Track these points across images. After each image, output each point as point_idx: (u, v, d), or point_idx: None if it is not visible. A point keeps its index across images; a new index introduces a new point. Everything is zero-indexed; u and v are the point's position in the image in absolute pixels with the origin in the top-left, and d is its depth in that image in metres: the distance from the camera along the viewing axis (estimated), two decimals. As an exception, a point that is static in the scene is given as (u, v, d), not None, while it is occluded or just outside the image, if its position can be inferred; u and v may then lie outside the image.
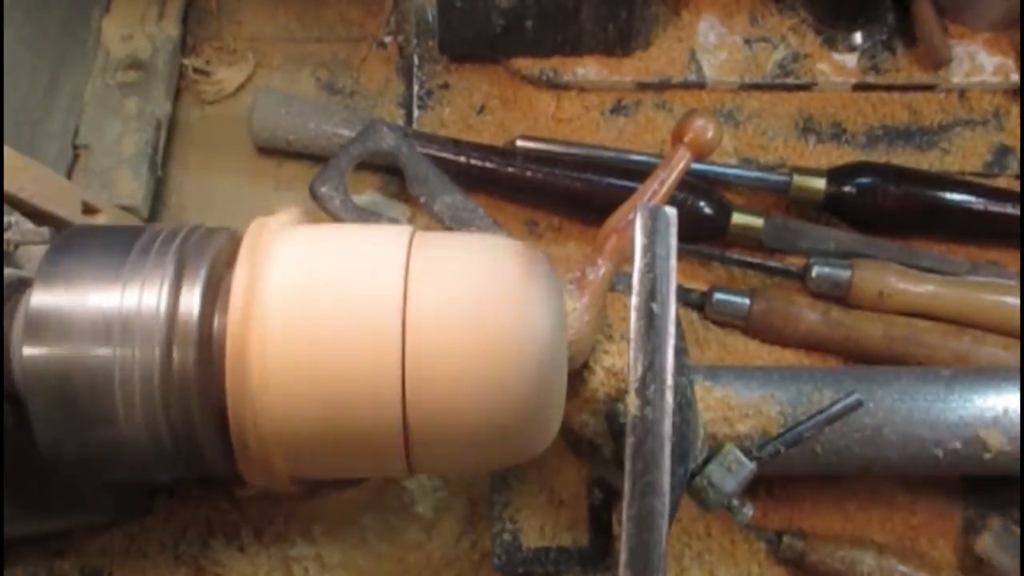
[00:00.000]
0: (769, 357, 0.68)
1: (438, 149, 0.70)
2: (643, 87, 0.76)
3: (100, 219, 0.62)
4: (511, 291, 0.43)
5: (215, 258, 0.44)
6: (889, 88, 0.76)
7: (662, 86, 0.76)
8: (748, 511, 0.48)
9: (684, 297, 0.69)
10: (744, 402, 0.54)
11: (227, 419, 0.42)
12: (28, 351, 0.42)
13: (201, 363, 0.42)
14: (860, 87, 0.76)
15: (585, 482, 0.56)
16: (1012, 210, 0.69)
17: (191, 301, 0.43)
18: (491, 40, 0.74)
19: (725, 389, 0.55)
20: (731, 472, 0.48)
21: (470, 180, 0.69)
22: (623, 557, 0.39)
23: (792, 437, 0.50)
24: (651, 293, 0.40)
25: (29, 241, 0.49)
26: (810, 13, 0.77)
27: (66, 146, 0.72)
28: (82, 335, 0.42)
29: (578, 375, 0.50)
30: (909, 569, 0.60)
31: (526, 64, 0.75)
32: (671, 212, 0.41)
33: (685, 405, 0.49)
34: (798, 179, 0.71)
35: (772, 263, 0.70)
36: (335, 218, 0.64)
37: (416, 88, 0.76)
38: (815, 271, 0.68)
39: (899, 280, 0.67)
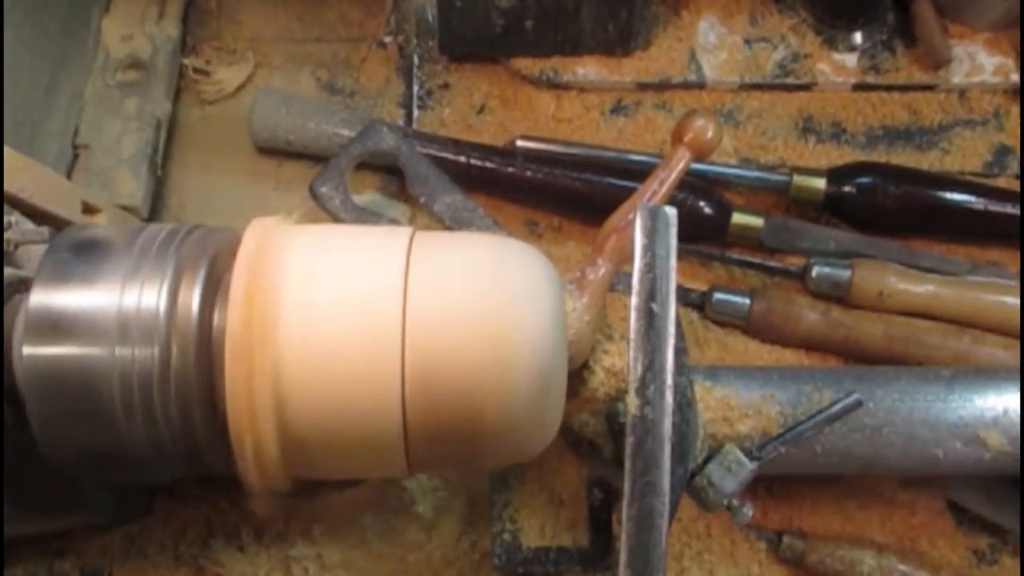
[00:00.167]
0: (769, 357, 0.68)
1: (438, 149, 0.70)
2: (643, 87, 0.76)
3: (100, 219, 0.62)
4: (511, 291, 0.43)
5: (215, 258, 0.44)
6: (889, 88, 0.76)
7: (662, 86, 0.76)
8: (748, 511, 0.48)
9: (684, 297, 0.69)
10: (744, 402, 0.54)
11: (227, 419, 0.42)
12: (28, 351, 0.42)
13: (201, 363, 0.42)
14: (860, 87, 0.76)
15: (585, 482, 0.56)
16: (1012, 210, 0.69)
17: (191, 301, 0.42)
18: (491, 40, 0.74)
19: (725, 389, 0.55)
20: (731, 472, 0.48)
21: (470, 180, 0.69)
22: (623, 557, 0.39)
23: (792, 437, 0.50)
24: (651, 293, 0.40)
25: (29, 241, 0.49)
26: (810, 13, 0.77)
27: (66, 146, 0.72)
28: (82, 335, 0.42)
29: (578, 375, 0.50)
30: (909, 569, 0.60)
31: (526, 64, 0.75)
32: (671, 212, 0.41)
33: (685, 405, 0.49)
34: (798, 179, 0.71)
35: (772, 263, 0.70)
36: (335, 218, 0.64)
37: (416, 88, 0.76)
38: (815, 271, 0.68)
39: (899, 280, 0.67)
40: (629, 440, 0.39)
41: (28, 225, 0.51)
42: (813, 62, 0.76)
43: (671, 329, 0.40)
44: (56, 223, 0.55)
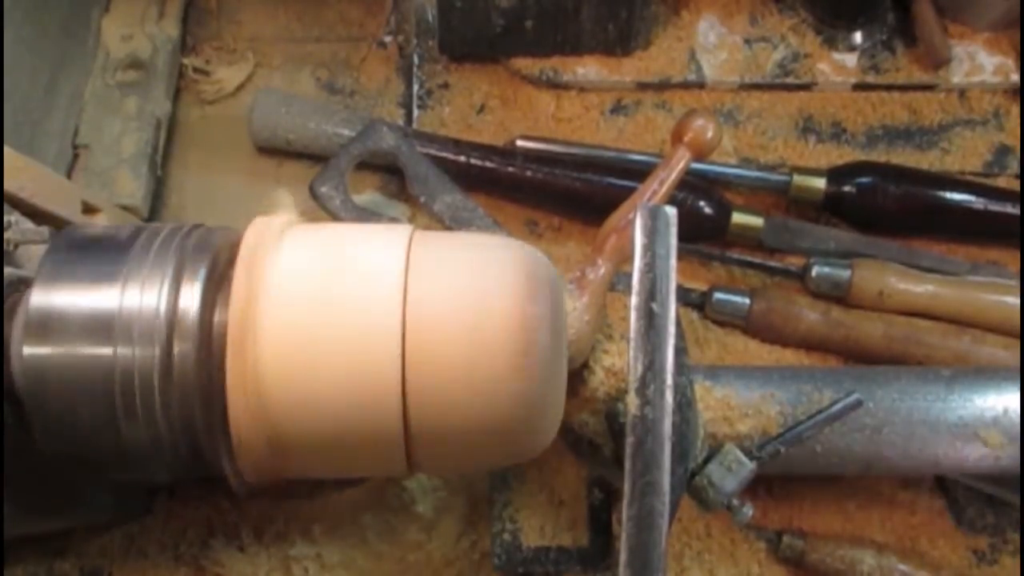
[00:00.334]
0: (769, 357, 0.68)
1: (438, 149, 0.70)
2: (643, 87, 0.76)
3: (100, 219, 0.62)
4: (511, 291, 0.42)
5: (215, 257, 0.44)
6: (889, 88, 0.76)
7: (662, 86, 0.76)
8: (748, 511, 0.48)
9: (684, 297, 0.69)
10: (744, 402, 0.54)
11: (227, 419, 0.42)
12: (28, 350, 0.42)
13: (201, 362, 0.42)
14: (860, 87, 0.76)
15: (585, 482, 0.56)
16: (1012, 210, 0.69)
17: (191, 300, 0.42)
18: (491, 40, 0.74)
19: (725, 389, 0.55)
20: (731, 472, 0.48)
21: (470, 180, 0.69)
22: (623, 557, 0.39)
23: (792, 437, 0.50)
24: (651, 293, 0.40)
25: (29, 240, 0.49)
26: (810, 13, 0.77)
27: (66, 146, 0.72)
28: (82, 334, 0.42)
29: (578, 375, 0.50)
30: (909, 568, 0.60)
31: (526, 64, 0.75)
32: (671, 212, 0.41)
33: (685, 405, 0.49)
34: (798, 179, 0.71)
35: (772, 263, 0.70)
36: (335, 218, 0.64)
37: (416, 88, 0.76)
38: (815, 271, 0.68)
39: (899, 280, 0.67)
40: (629, 440, 0.39)
41: (28, 225, 0.51)
42: (813, 62, 0.76)
43: (671, 329, 0.40)
44: (56, 223, 0.55)
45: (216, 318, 0.43)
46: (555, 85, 0.76)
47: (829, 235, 0.71)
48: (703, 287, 0.70)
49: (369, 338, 0.41)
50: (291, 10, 0.80)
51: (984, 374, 0.57)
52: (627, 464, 0.39)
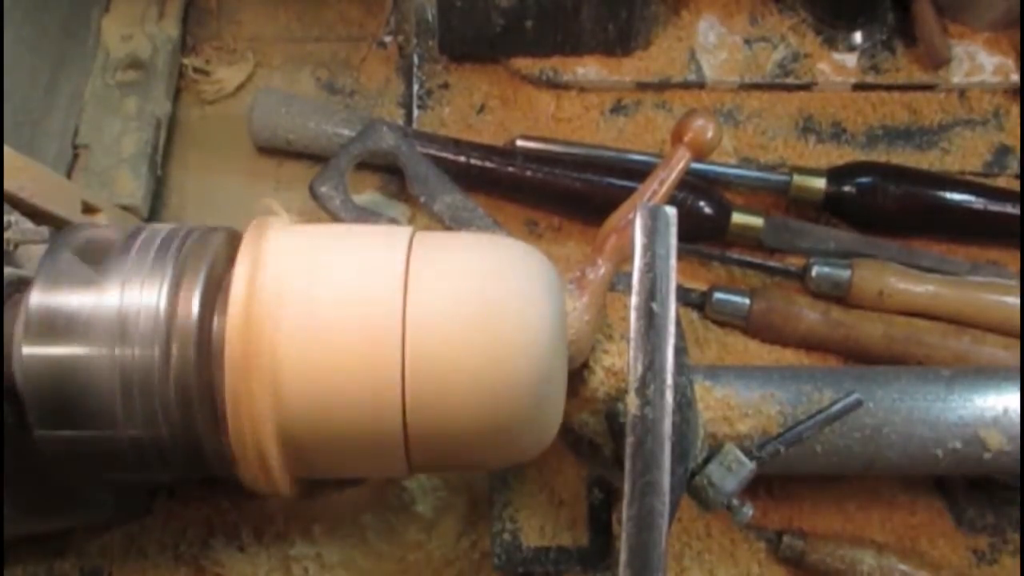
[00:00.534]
0: (769, 357, 0.68)
1: (438, 149, 0.70)
2: (643, 87, 0.76)
3: (100, 219, 0.62)
4: (511, 291, 0.43)
5: (215, 258, 0.44)
6: (889, 88, 0.76)
7: (662, 86, 0.76)
8: (748, 511, 0.48)
9: (684, 297, 0.69)
10: (744, 402, 0.54)
11: (227, 419, 0.42)
12: (28, 350, 0.42)
13: (200, 363, 0.42)
14: (860, 87, 0.76)
15: (585, 482, 0.56)
16: (1012, 210, 0.69)
17: (191, 301, 0.42)
18: (491, 40, 0.74)
19: (725, 389, 0.55)
20: (731, 472, 0.48)
21: (470, 180, 0.69)
22: (623, 557, 0.39)
23: (792, 437, 0.50)
24: (651, 293, 0.40)
25: (29, 240, 0.49)
26: (810, 13, 0.77)
27: (66, 146, 0.72)
28: (82, 335, 0.42)
29: (578, 375, 0.50)
30: (909, 568, 0.60)
31: (526, 64, 0.75)
32: (671, 212, 0.41)
33: (685, 405, 0.49)
34: (798, 179, 0.71)
35: (772, 263, 0.70)
36: (335, 218, 0.64)
37: (416, 88, 0.76)
38: (815, 271, 0.68)
39: (899, 280, 0.67)
40: (629, 440, 0.39)
41: (28, 225, 0.50)
42: (813, 62, 0.76)
43: (671, 329, 0.40)
44: (56, 223, 0.55)
45: (216, 318, 0.43)
46: (555, 85, 0.76)
47: (829, 235, 0.71)
48: (703, 287, 0.70)
49: (369, 339, 0.41)
50: (291, 10, 0.80)
51: (984, 374, 0.57)
52: (627, 464, 0.39)
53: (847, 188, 0.70)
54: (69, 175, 0.72)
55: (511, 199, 0.72)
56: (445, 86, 0.77)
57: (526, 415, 0.43)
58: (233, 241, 0.46)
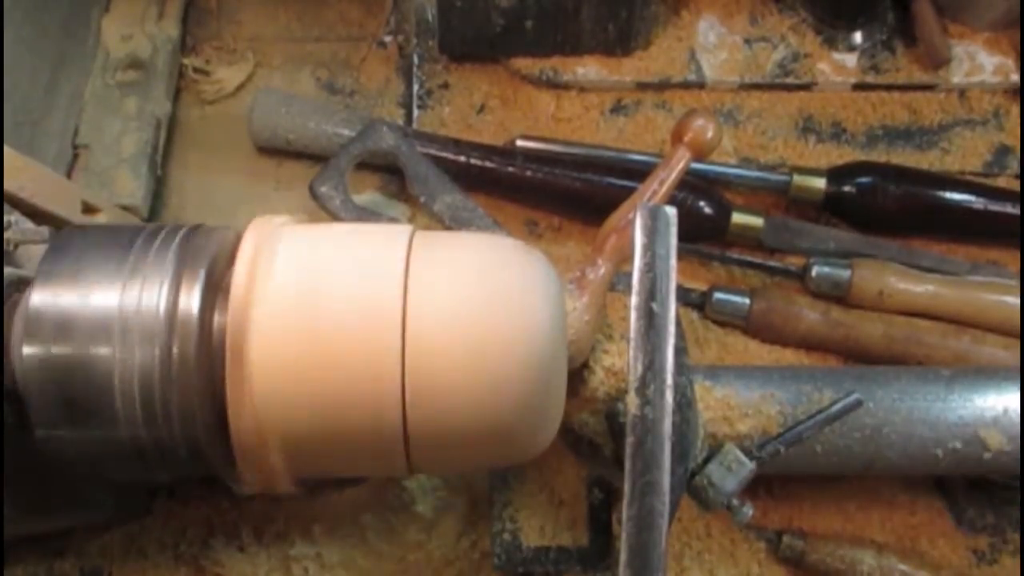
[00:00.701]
0: (769, 357, 0.68)
1: (438, 149, 0.70)
2: (643, 87, 0.76)
3: (100, 218, 0.62)
4: (511, 291, 0.43)
5: (215, 257, 0.44)
6: (889, 88, 0.76)
7: (662, 86, 0.76)
8: (748, 511, 0.48)
9: (684, 297, 0.69)
10: (744, 402, 0.54)
11: (227, 419, 0.42)
12: (28, 350, 0.42)
13: (201, 363, 0.42)
14: (860, 87, 0.76)
15: (585, 482, 0.56)
16: (1012, 210, 0.69)
17: (191, 300, 0.42)
18: (491, 40, 0.74)
19: (725, 389, 0.55)
20: (731, 472, 0.48)
21: (470, 180, 0.69)
22: (623, 557, 0.39)
23: (792, 437, 0.50)
24: (651, 293, 0.40)
25: (29, 240, 0.49)
26: (810, 13, 0.77)
27: (66, 146, 0.72)
28: (82, 334, 0.42)
29: (578, 375, 0.50)
30: (909, 568, 0.60)
31: (526, 64, 0.75)
32: (671, 212, 0.41)
33: (685, 405, 0.49)
34: (798, 179, 0.71)
35: (772, 263, 0.70)
36: (335, 218, 0.64)
37: (416, 88, 0.76)
38: (815, 271, 0.68)
39: (899, 280, 0.67)
40: (629, 440, 0.39)
41: (28, 225, 0.50)
42: (813, 62, 0.76)
43: (671, 329, 0.40)
44: (56, 223, 0.55)
45: (216, 318, 0.43)
46: (555, 85, 0.76)
47: (829, 235, 0.71)
48: (703, 287, 0.70)
49: (369, 338, 0.41)
50: (291, 10, 0.80)
51: (984, 374, 0.57)
52: (627, 464, 0.39)
53: (847, 188, 0.70)
54: (69, 175, 0.72)
55: (511, 199, 0.72)
56: (445, 86, 0.77)
57: (526, 415, 0.43)
58: (233, 241, 0.46)
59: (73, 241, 0.45)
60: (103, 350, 0.41)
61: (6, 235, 0.48)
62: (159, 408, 0.42)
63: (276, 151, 0.75)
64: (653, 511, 0.39)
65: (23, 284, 0.45)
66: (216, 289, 0.44)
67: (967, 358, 0.65)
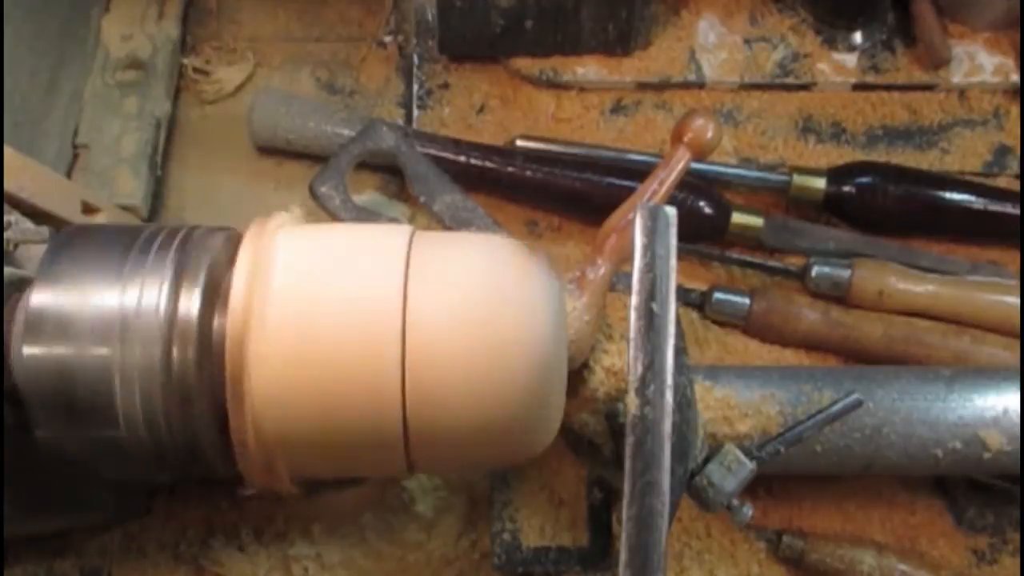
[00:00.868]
0: (769, 357, 0.68)
1: (438, 149, 0.70)
2: (643, 87, 0.76)
3: (100, 218, 0.62)
4: (511, 291, 0.43)
5: (215, 258, 0.44)
6: (889, 88, 0.76)
7: (662, 86, 0.76)
8: (748, 511, 0.48)
9: (684, 297, 0.69)
10: (744, 402, 0.54)
11: (227, 419, 0.42)
12: (28, 351, 0.42)
13: (201, 363, 0.42)
14: (860, 87, 0.76)
15: (585, 482, 0.56)
16: (1012, 210, 0.69)
17: (191, 301, 0.43)
18: (491, 40, 0.74)
19: (725, 389, 0.55)
20: (731, 472, 0.48)
21: (470, 180, 0.69)
22: (623, 557, 0.39)
23: (792, 437, 0.50)
24: (651, 293, 0.40)
25: (29, 240, 0.49)
26: (810, 13, 0.77)
27: (66, 145, 0.72)
28: (82, 335, 0.42)
29: (578, 375, 0.50)
30: (909, 568, 0.60)
31: (526, 64, 0.75)
32: (671, 212, 0.41)
33: (685, 405, 0.49)
34: (798, 179, 0.71)
35: (772, 263, 0.70)
36: (335, 218, 0.64)
37: (416, 88, 0.76)
38: (815, 271, 0.68)
39: (899, 280, 0.67)
40: (629, 440, 0.39)
41: (28, 225, 0.51)
42: (813, 62, 0.76)
43: (671, 329, 0.40)
44: (56, 223, 0.55)
45: (216, 319, 0.43)
46: (555, 85, 0.76)
47: (829, 235, 0.71)
48: (703, 287, 0.70)
49: (369, 339, 0.41)
50: (291, 10, 0.80)
51: (984, 374, 0.57)
52: (627, 464, 0.39)
53: (847, 188, 0.70)
54: (69, 175, 0.72)
55: (511, 199, 0.72)
56: (445, 86, 0.77)
57: (526, 415, 0.43)
58: (233, 241, 0.46)
59: (73, 241, 0.45)
60: (103, 350, 0.41)
61: (6, 235, 0.48)
62: (159, 409, 0.42)
63: (276, 151, 0.74)
64: (653, 511, 0.39)
65: (23, 284, 0.45)
66: (216, 290, 0.44)
67: (967, 358, 0.65)
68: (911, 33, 0.77)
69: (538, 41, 0.74)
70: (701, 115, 0.53)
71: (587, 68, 0.76)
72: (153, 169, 0.72)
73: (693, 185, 0.69)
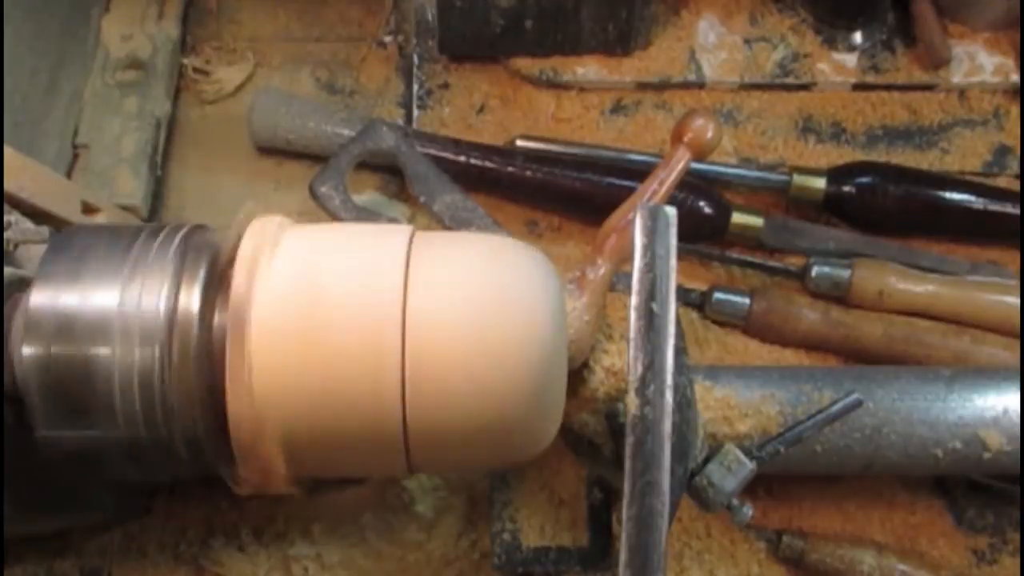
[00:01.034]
0: (769, 357, 0.68)
1: (438, 149, 0.70)
2: (643, 87, 0.76)
3: (100, 218, 0.62)
4: (511, 291, 0.43)
5: (215, 258, 0.44)
6: (889, 88, 0.76)
7: (662, 86, 0.76)
8: (748, 511, 0.48)
9: (684, 297, 0.69)
10: (744, 402, 0.54)
11: (227, 419, 0.42)
12: (28, 350, 0.42)
13: (201, 363, 0.42)
14: (860, 87, 0.76)
15: (585, 482, 0.56)
16: (1012, 210, 0.69)
17: (191, 300, 0.43)
18: (491, 40, 0.74)
19: (725, 389, 0.55)
20: (731, 472, 0.48)
21: (470, 180, 0.69)
22: (623, 557, 0.39)
23: (792, 437, 0.50)
24: (651, 293, 0.40)
25: (29, 240, 0.49)
26: (810, 13, 0.78)
27: (66, 145, 0.72)
28: (82, 334, 0.42)
29: (578, 375, 0.50)
30: (909, 568, 0.60)
31: (526, 64, 0.75)
32: (671, 212, 0.41)
33: (685, 405, 0.49)
34: (798, 179, 0.71)
35: (772, 263, 0.70)
36: (335, 218, 0.64)
37: (416, 88, 0.76)
38: (815, 271, 0.68)
39: (899, 280, 0.67)
40: (629, 440, 0.39)
41: (28, 225, 0.51)
42: (813, 62, 0.76)
43: (671, 329, 0.40)
44: (56, 223, 0.55)
45: (216, 319, 0.43)
46: (555, 85, 0.76)
47: (829, 235, 0.71)
48: (703, 287, 0.70)
49: (369, 339, 0.41)
50: (291, 10, 0.80)
51: (984, 374, 0.57)
52: (627, 464, 0.39)
53: (847, 188, 0.70)
54: (69, 175, 0.72)
55: (511, 199, 0.72)
56: (445, 86, 0.77)
57: (526, 415, 0.43)
58: (233, 241, 0.46)
59: (73, 241, 0.45)
60: (103, 350, 0.41)
61: (6, 235, 0.48)
62: (159, 408, 0.42)
63: (276, 151, 0.74)
64: (653, 511, 0.39)
65: (23, 284, 0.45)
66: (216, 289, 0.44)
67: (967, 358, 0.65)
68: (911, 33, 0.77)
69: (538, 41, 0.74)
70: (701, 115, 0.53)
71: (587, 68, 0.76)
72: (153, 169, 0.72)
73: (693, 185, 0.69)
